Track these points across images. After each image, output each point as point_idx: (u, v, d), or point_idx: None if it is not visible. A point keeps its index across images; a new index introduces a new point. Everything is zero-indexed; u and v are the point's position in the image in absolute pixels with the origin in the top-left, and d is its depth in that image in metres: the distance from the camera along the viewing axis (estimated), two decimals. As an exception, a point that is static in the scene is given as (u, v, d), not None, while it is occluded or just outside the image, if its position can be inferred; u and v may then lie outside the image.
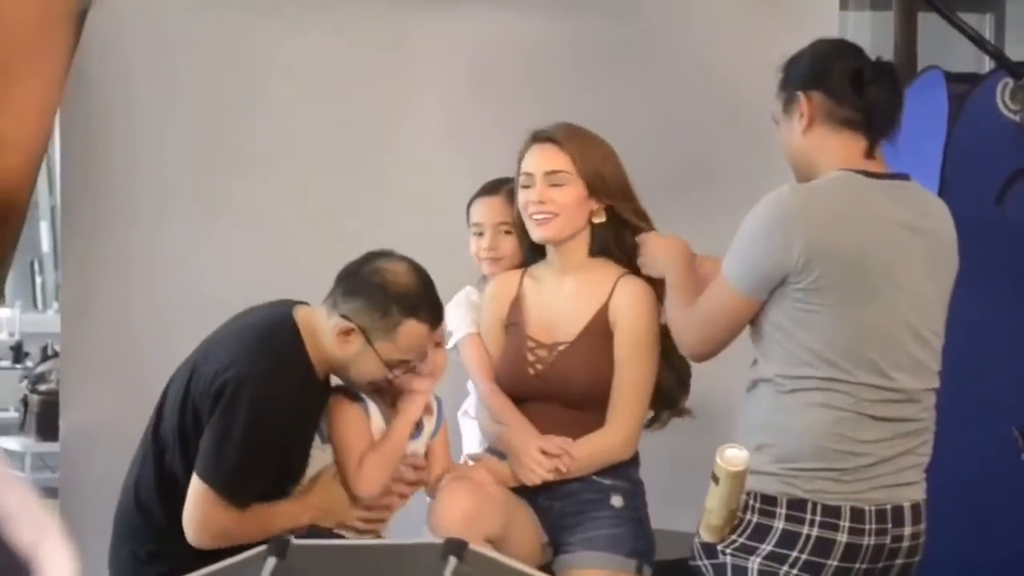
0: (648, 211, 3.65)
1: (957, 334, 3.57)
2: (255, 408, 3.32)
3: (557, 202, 3.55)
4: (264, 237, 4.54)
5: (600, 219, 3.59)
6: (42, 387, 7.69)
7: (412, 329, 3.44)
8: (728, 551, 3.24)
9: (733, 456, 3.11)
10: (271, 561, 2.83)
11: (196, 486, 3.37)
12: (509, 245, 3.79)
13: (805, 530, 3.19)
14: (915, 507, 3.29)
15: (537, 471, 3.53)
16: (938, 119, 4.51)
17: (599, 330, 3.58)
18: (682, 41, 4.84)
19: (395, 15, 4.61)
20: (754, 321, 3.26)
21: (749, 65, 4.37)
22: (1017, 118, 3.73)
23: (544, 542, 3.57)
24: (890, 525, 3.24)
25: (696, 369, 3.63)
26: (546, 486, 3.55)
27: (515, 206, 3.65)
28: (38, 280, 9.55)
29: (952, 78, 4.57)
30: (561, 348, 3.60)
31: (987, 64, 5.22)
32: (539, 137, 3.60)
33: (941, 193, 4.35)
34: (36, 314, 9.23)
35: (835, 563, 3.20)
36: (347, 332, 3.43)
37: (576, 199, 3.56)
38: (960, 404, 3.78)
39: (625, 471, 3.60)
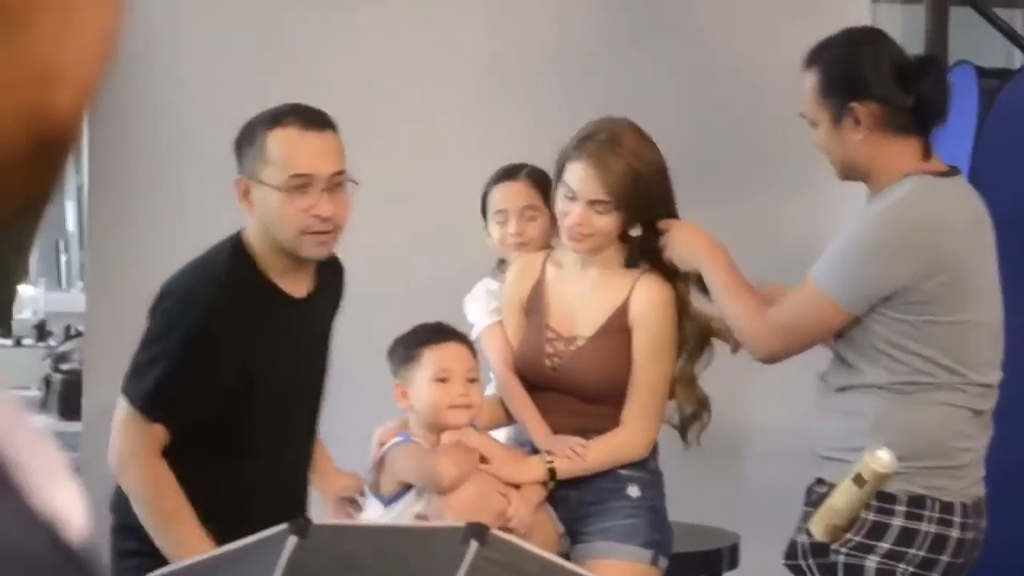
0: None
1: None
2: (180, 320, 3.14)
3: (595, 226, 3.47)
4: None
5: (636, 232, 3.52)
6: (64, 366, 7.69)
7: (278, 136, 3.14)
8: (843, 550, 3.22)
9: (884, 458, 3.09)
10: (292, 540, 2.83)
11: (118, 403, 3.23)
12: (535, 229, 3.72)
13: (924, 527, 3.20)
14: (984, 501, 3.33)
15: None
16: (968, 114, 4.48)
17: (617, 328, 3.54)
18: (708, 29, 4.81)
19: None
20: (846, 330, 3.25)
21: (778, 57, 4.33)
22: (1049, 114, 3.71)
23: (561, 532, 3.55)
24: (976, 519, 3.28)
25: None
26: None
27: (552, 197, 3.57)
28: (63, 259, 9.55)
29: (983, 73, 4.54)
30: (579, 343, 3.56)
31: (1018, 59, 5.18)
32: (586, 159, 3.44)
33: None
34: (60, 293, 9.23)
35: (947, 559, 3.22)
36: (245, 192, 3.17)
37: (614, 226, 3.48)
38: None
39: (643, 461, 3.57)
